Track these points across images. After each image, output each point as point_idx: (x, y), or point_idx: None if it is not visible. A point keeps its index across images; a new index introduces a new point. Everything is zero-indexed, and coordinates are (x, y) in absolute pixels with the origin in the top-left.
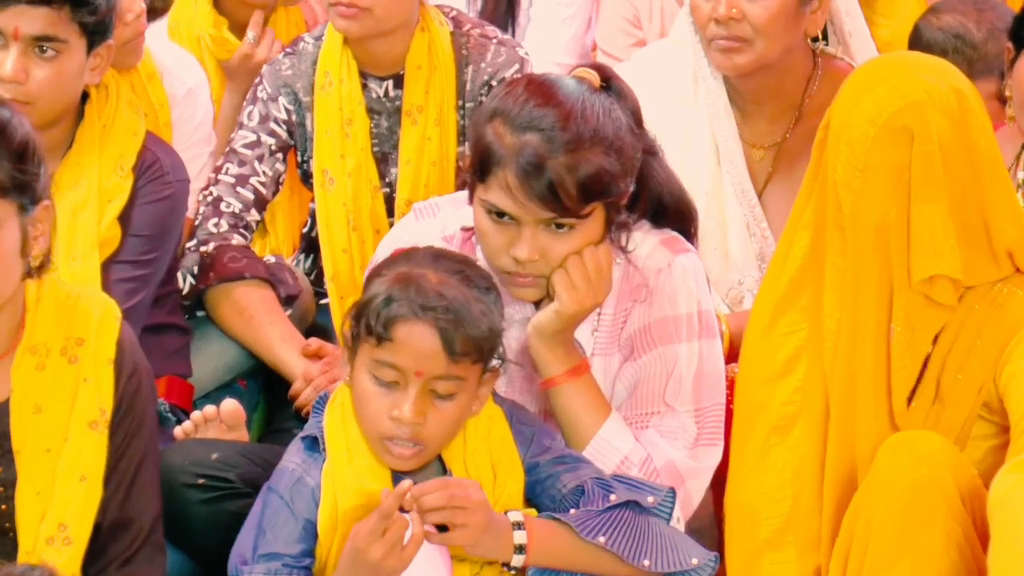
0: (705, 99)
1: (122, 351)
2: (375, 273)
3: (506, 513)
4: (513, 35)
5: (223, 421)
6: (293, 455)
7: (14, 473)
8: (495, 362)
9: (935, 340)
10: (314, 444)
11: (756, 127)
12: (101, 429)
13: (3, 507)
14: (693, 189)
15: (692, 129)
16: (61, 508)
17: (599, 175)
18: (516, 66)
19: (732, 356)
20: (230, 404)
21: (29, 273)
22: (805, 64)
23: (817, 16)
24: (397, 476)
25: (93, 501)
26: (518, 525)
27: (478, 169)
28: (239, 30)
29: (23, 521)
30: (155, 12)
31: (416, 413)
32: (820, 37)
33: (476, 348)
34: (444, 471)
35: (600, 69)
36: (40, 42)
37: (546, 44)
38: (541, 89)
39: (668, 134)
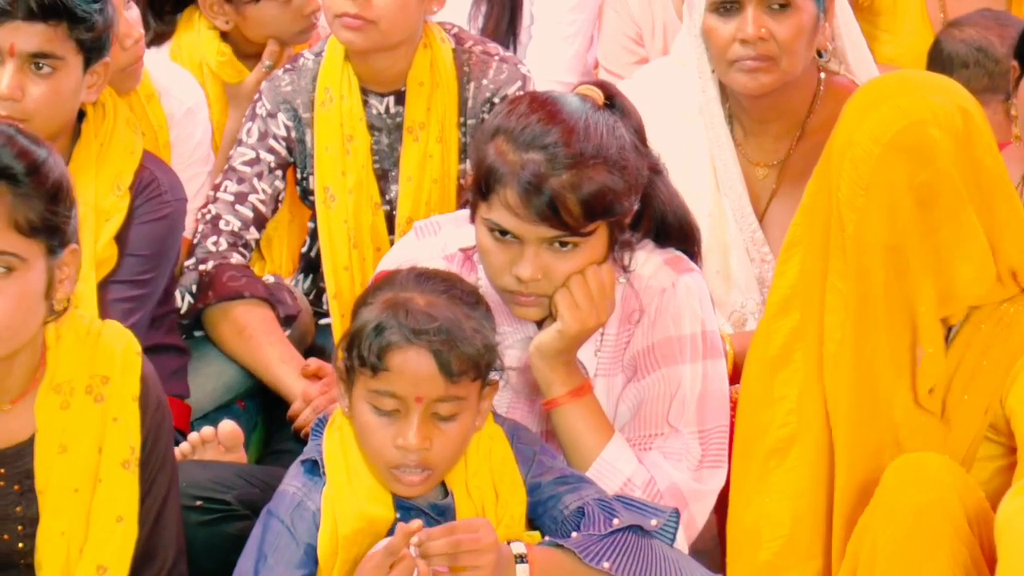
0: (706, 120)
1: (146, 387)
2: (361, 302)
3: (508, 544)
4: (514, 53)
5: (221, 443)
6: (293, 479)
7: (36, 512)
8: (494, 375)
9: None
10: (314, 467)
11: (760, 145)
12: (133, 468)
13: (20, 545)
14: (695, 210)
15: (693, 149)
16: (99, 549)
17: (602, 193)
18: (518, 83)
19: (736, 377)
20: (228, 425)
21: (50, 315)
22: (811, 81)
23: (825, 29)
24: (398, 499)
25: (130, 541)
26: (520, 558)
27: (480, 187)
28: (244, 60)
29: (45, 561)
30: (160, 37)
31: (421, 439)
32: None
33: (473, 365)
34: (446, 493)
35: (603, 86)
36: (36, 59)
37: (548, 62)
38: (544, 107)
39: (671, 153)
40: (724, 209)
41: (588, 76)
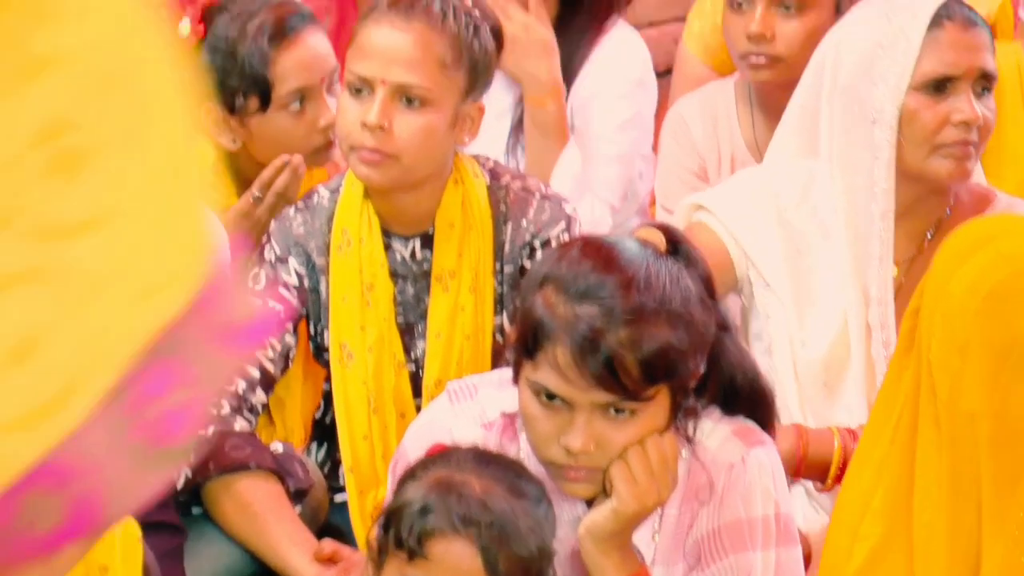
0: (873, 213)
1: None
2: (409, 475)
3: None
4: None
5: None
6: None
7: None
8: None
9: None
10: None
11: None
12: None
13: None
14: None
15: (838, 262)
16: None
17: (665, 352)
18: (562, 224)
19: None
20: None
21: None
22: None
23: None
24: None
25: None
26: None
27: (525, 344)
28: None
29: None
30: None
31: None
32: None
33: (523, 570)
34: None
35: (666, 230)
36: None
37: (586, 180)
38: (599, 252)
39: (806, 272)
40: (848, 319)
41: (632, 201)
